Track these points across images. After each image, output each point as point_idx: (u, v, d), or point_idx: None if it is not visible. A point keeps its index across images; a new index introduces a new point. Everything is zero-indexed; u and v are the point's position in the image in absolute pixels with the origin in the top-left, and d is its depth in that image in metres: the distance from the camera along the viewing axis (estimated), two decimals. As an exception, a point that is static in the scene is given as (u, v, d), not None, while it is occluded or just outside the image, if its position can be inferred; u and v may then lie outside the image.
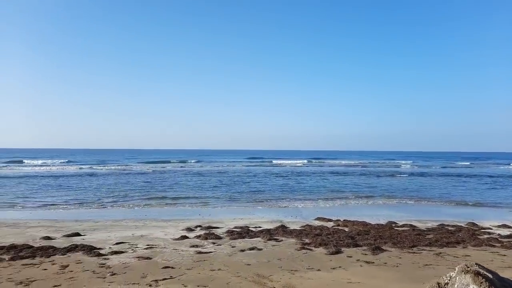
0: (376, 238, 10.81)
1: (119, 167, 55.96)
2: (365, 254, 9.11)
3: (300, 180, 34.45)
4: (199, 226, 13.13)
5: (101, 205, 18.72)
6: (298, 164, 70.24)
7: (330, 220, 14.43)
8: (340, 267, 7.93)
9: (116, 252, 9.19)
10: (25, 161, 66.49)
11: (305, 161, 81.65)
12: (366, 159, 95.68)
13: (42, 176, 37.50)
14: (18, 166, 56.57)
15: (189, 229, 12.57)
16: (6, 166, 55.88)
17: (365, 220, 14.25)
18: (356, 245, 9.99)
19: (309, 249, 9.72)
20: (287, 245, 10.23)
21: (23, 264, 7.97)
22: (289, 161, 79.15)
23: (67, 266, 7.86)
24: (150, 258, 8.61)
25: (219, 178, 35.74)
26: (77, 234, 11.55)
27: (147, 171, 47.13)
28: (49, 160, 69.40)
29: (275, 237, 11.19)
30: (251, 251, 9.47)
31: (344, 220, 14.22)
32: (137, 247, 9.84)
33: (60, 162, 65.50)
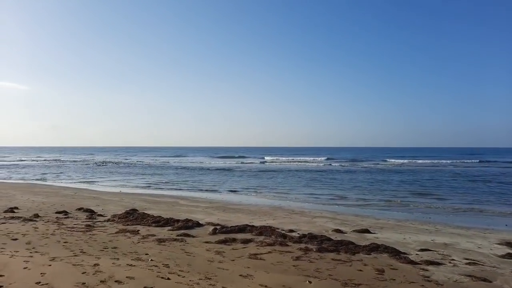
0: None
1: (372, 164, 55.75)
2: None
3: None
4: (523, 242, 9.56)
5: (370, 202, 17.69)
6: None
7: None
8: None
9: (430, 262, 7.34)
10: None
11: None
12: None
13: (303, 170, 41.37)
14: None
15: (510, 244, 9.28)
16: (270, 161, 66.38)
17: None
18: None
19: None
20: None
21: (332, 259, 7.35)
22: None
23: (382, 270, 6.63)
24: (489, 281, 6.25)
25: (496, 181, 28.60)
26: (367, 231, 10.54)
27: (398, 168, 44.24)
28: (309, 158, 77.63)
29: None
30: None
31: None
32: (453, 260, 7.67)
33: (321, 159, 70.91)
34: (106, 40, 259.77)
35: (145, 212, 12.68)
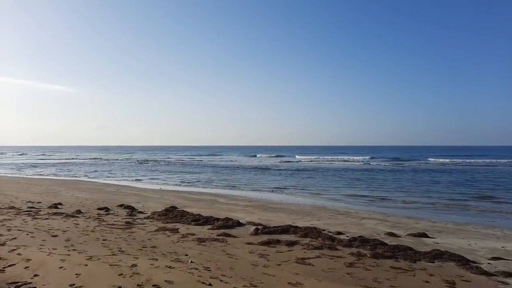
0: None
1: (416, 163, 53.18)
2: None
3: None
4: None
5: (421, 203, 16.36)
6: None
7: None
8: None
9: (508, 274, 6.30)
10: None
11: None
12: None
13: (343, 170, 39.90)
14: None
15: None
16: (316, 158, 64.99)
17: None
18: None
19: None
20: None
21: (391, 267, 6.50)
22: None
23: (453, 283, 5.71)
24: None
25: None
26: (424, 235, 9.51)
27: (445, 168, 41.52)
28: (348, 157, 75.33)
29: None
30: None
31: None
32: (535, 272, 6.56)
33: (362, 158, 68.19)
34: (140, 46, 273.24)
35: (185, 209, 12.37)
